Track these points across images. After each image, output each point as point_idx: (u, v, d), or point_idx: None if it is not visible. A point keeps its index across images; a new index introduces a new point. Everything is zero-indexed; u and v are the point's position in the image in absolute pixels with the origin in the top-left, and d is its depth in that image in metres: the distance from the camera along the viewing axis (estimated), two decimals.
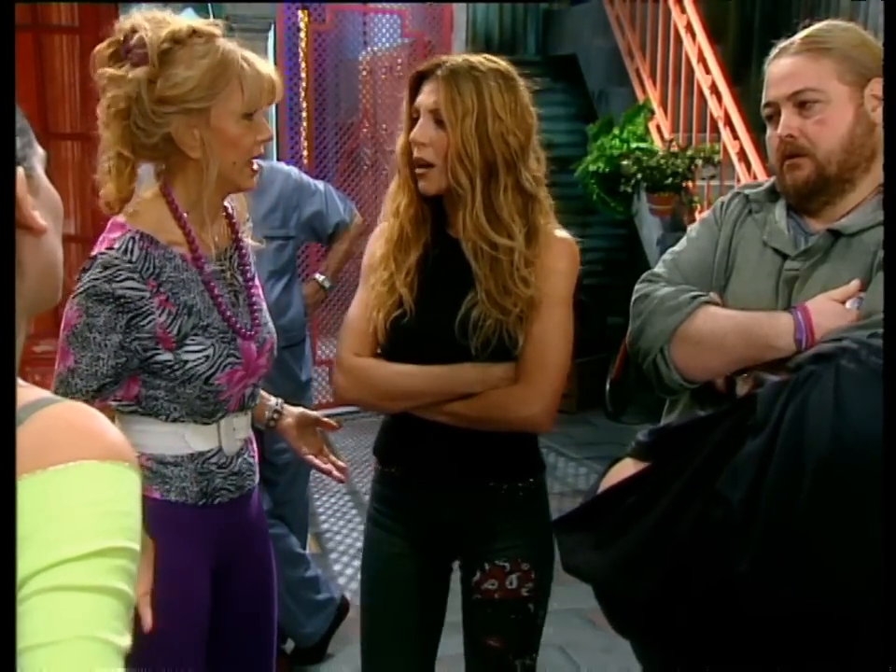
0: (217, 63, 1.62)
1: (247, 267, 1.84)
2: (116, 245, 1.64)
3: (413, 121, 1.79)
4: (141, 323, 1.64)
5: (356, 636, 2.00)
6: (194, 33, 1.63)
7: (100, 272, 1.62)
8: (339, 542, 4.29)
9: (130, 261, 1.63)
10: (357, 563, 3.99)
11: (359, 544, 4.19)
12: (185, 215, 1.71)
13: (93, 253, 1.65)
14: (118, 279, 1.62)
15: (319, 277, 3.28)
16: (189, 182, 1.70)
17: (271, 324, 1.87)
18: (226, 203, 1.81)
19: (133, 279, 1.63)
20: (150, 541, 1.59)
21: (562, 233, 1.83)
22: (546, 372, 1.77)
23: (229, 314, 1.73)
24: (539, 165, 1.82)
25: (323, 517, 4.57)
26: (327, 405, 5.99)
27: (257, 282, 1.86)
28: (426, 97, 1.76)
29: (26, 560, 0.74)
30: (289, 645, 3.21)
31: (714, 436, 1.01)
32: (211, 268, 1.74)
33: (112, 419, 1.69)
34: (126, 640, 0.76)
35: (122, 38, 1.63)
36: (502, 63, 1.80)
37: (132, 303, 1.63)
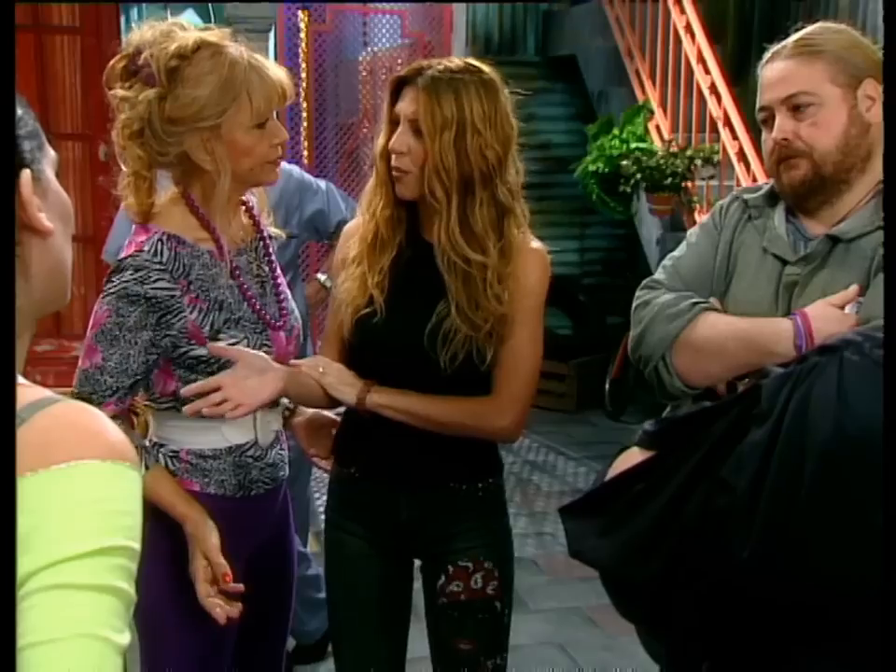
0: (225, 79, 1.63)
1: (271, 257, 1.87)
2: (145, 248, 1.66)
3: (392, 125, 1.78)
4: (172, 321, 1.67)
5: None
6: (200, 46, 1.64)
7: (131, 274, 1.65)
8: None
9: (160, 262, 1.66)
10: None
11: None
12: (206, 214, 1.73)
13: (121, 256, 1.68)
14: (149, 280, 1.64)
15: (321, 277, 3.29)
16: (206, 187, 1.72)
17: (297, 311, 1.91)
18: (244, 197, 1.84)
19: (164, 279, 1.65)
20: (214, 525, 1.68)
21: (535, 244, 1.83)
22: (518, 385, 1.79)
23: (258, 306, 1.76)
24: (517, 177, 1.80)
25: (324, 516, 4.57)
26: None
27: (280, 271, 1.89)
28: (406, 105, 1.74)
29: (27, 558, 0.75)
30: (290, 643, 3.21)
31: (720, 425, 1.02)
32: (237, 262, 1.77)
33: (129, 426, 1.72)
34: (125, 638, 0.77)
35: (130, 55, 1.64)
36: (485, 68, 1.77)
37: (162, 303, 1.65)
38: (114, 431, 0.83)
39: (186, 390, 1.68)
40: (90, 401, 1.57)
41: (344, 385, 1.80)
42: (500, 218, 1.77)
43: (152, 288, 1.64)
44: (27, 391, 0.83)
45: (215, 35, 1.68)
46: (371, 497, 1.89)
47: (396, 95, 1.78)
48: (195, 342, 1.69)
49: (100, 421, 0.83)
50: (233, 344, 1.71)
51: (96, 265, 4.81)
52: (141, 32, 1.65)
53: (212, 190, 1.71)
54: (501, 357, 1.78)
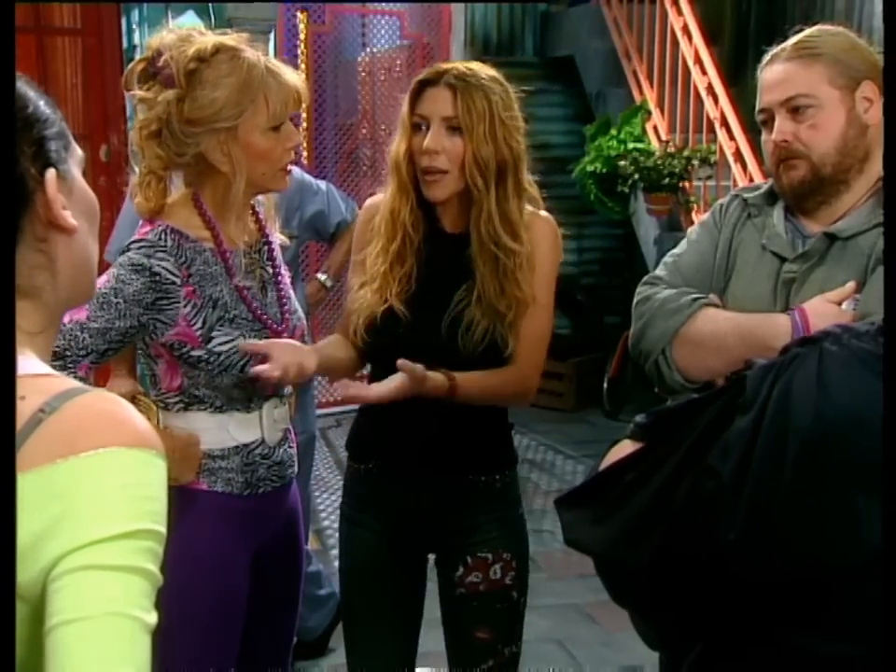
0: (243, 81, 1.68)
1: (275, 261, 1.90)
2: (150, 236, 1.71)
3: (413, 128, 1.82)
4: (165, 307, 1.69)
5: None
6: (218, 50, 1.68)
7: (138, 249, 1.69)
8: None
9: (165, 247, 1.70)
10: None
11: None
12: (212, 215, 1.76)
13: (127, 243, 1.72)
14: (156, 256, 1.68)
15: (321, 276, 3.32)
16: (217, 189, 1.76)
17: (300, 311, 1.93)
18: (252, 201, 1.87)
19: (168, 261, 1.69)
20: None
21: (542, 213, 1.90)
22: (539, 354, 1.89)
23: (255, 306, 1.79)
24: (531, 166, 1.89)
25: (323, 514, 4.60)
26: (327, 404, 6.03)
27: (284, 272, 1.92)
28: (437, 105, 1.79)
29: (59, 541, 0.78)
30: None
31: (707, 414, 1.06)
32: (238, 262, 1.79)
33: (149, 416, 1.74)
34: (153, 617, 0.80)
35: (150, 58, 1.68)
36: (492, 70, 1.86)
37: (163, 285, 1.68)
38: (140, 420, 0.85)
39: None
40: (64, 358, 1.59)
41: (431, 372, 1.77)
42: (524, 205, 1.85)
43: (158, 265, 1.68)
44: (55, 381, 0.86)
45: (233, 39, 1.72)
46: (388, 493, 1.91)
47: (415, 99, 1.82)
48: (189, 344, 1.71)
49: (126, 410, 0.85)
50: (228, 342, 1.74)
51: (97, 265, 4.82)
52: (161, 35, 1.69)
53: (222, 192, 1.75)
54: (521, 329, 1.83)
